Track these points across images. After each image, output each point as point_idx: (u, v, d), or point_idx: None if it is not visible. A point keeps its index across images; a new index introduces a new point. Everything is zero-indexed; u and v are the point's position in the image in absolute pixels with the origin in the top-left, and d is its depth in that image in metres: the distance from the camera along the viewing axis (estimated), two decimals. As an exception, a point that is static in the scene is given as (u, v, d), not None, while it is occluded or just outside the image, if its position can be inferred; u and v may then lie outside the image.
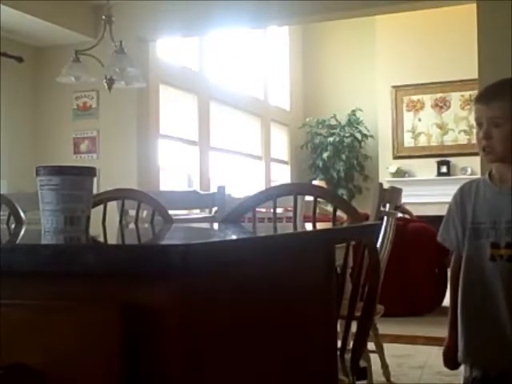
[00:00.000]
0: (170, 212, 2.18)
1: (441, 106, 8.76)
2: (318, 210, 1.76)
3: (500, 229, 1.71)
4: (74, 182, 1.10)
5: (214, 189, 3.20)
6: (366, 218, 2.31)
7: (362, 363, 1.73)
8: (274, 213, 1.82)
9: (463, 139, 8.61)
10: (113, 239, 1.26)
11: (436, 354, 2.98)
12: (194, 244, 0.75)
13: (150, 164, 6.31)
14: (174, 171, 7.16)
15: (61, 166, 1.12)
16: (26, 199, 3.46)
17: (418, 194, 8.29)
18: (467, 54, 6.36)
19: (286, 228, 1.66)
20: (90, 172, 1.14)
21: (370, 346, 2.60)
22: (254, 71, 8.81)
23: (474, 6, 4.92)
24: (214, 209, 3.41)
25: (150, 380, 0.69)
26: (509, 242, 1.70)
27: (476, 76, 4.85)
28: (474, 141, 1.81)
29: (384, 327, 3.13)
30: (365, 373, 2.14)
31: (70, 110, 6.45)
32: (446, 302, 4.10)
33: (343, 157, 9.08)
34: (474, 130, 1.75)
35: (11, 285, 0.73)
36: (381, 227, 2.37)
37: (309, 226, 1.51)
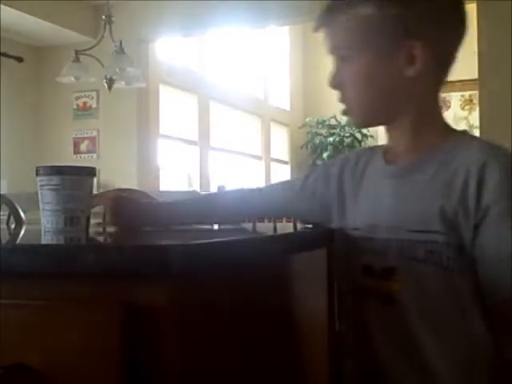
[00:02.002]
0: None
1: (440, 106, 8.75)
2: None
3: (377, 240, 1.06)
4: (75, 181, 1.10)
5: (214, 189, 3.20)
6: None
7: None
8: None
9: (463, 139, 8.61)
10: (113, 239, 1.26)
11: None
12: (194, 244, 0.75)
13: (150, 164, 6.31)
14: (174, 171, 7.16)
15: (61, 166, 1.12)
16: (26, 199, 3.45)
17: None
18: (467, 54, 6.34)
19: (286, 228, 1.66)
20: (90, 172, 1.14)
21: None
22: (254, 71, 8.80)
23: (473, 6, 4.92)
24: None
25: (149, 380, 0.69)
26: (387, 267, 1.04)
27: (476, 76, 4.85)
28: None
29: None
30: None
31: (70, 110, 6.45)
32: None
33: (343, 157, 9.07)
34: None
35: (11, 285, 0.73)
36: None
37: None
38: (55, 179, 1.09)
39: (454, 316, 1.02)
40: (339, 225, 1.15)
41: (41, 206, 1.11)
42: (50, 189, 1.09)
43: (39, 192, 1.11)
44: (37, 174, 1.11)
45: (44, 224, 1.11)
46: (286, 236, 1.04)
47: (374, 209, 1.10)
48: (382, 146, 1.18)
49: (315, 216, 1.23)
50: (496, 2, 4.62)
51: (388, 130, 1.13)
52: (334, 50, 1.09)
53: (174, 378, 0.69)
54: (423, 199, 1.03)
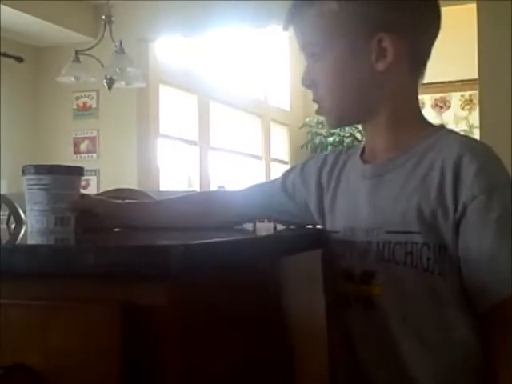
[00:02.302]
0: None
1: (441, 105, 8.75)
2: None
3: (357, 243, 1.03)
4: (66, 181, 1.09)
5: (213, 189, 3.20)
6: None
7: None
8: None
9: (463, 139, 8.61)
10: (113, 239, 1.26)
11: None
12: (194, 244, 0.75)
13: (149, 164, 6.31)
14: (174, 171, 7.16)
15: (51, 165, 1.11)
16: (26, 199, 3.46)
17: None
18: (467, 54, 6.36)
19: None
20: (80, 171, 1.13)
21: None
22: (254, 71, 8.80)
23: (473, 6, 4.92)
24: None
25: (149, 380, 0.69)
26: (366, 271, 1.01)
27: (476, 76, 4.85)
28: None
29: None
30: None
31: (70, 110, 6.45)
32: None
33: (343, 157, 9.07)
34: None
35: (11, 285, 0.73)
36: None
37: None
38: (46, 179, 1.07)
39: (435, 319, 0.98)
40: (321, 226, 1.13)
41: (28, 206, 1.09)
42: (40, 188, 1.07)
43: (27, 192, 1.08)
44: (24, 174, 1.09)
45: (32, 224, 1.09)
46: (286, 236, 1.04)
47: (352, 210, 1.06)
48: (360, 146, 1.14)
49: (296, 217, 1.21)
50: (496, 1, 4.62)
51: (365, 129, 1.10)
52: (304, 48, 1.05)
53: (173, 378, 0.69)
54: (401, 199, 0.99)
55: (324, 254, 1.11)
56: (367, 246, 1.01)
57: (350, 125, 1.13)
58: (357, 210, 1.05)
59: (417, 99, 1.08)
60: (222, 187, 3.24)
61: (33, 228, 1.09)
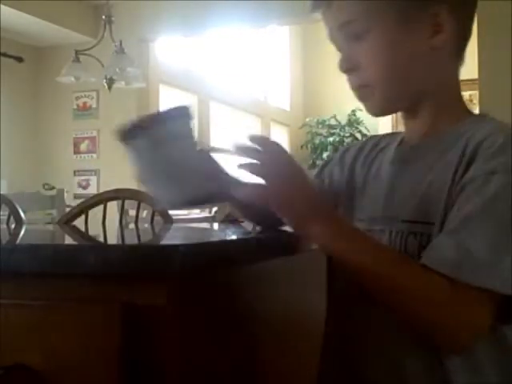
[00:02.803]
0: (170, 212, 2.18)
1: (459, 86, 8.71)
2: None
3: (373, 232, 0.96)
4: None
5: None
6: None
7: None
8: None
9: (463, 139, 8.60)
10: (113, 239, 1.26)
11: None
12: (193, 244, 0.75)
13: (150, 164, 6.29)
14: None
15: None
16: (26, 199, 3.46)
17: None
18: (467, 53, 6.34)
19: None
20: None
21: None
22: (254, 71, 8.80)
23: (473, 6, 4.92)
24: (214, 209, 3.41)
25: (149, 380, 0.69)
26: None
27: (476, 76, 4.85)
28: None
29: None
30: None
31: (70, 110, 6.45)
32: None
33: (343, 157, 9.07)
34: None
35: (11, 285, 0.73)
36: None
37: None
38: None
39: None
40: (347, 216, 1.03)
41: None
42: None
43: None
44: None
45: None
46: (286, 236, 1.04)
47: (375, 197, 0.99)
48: (400, 133, 1.06)
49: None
50: (496, 1, 4.62)
51: (405, 116, 1.00)
52: (343, 28, 0.93)
53: (173, 378, 0.69)
54: (421, 186, 0.91)
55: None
56: (380, 235, 0.95)
57: (395, 111, 1.00)
58: (379, 196, 0.98)
59: (459, 86, 0.99)
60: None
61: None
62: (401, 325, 0.91)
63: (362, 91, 0.95)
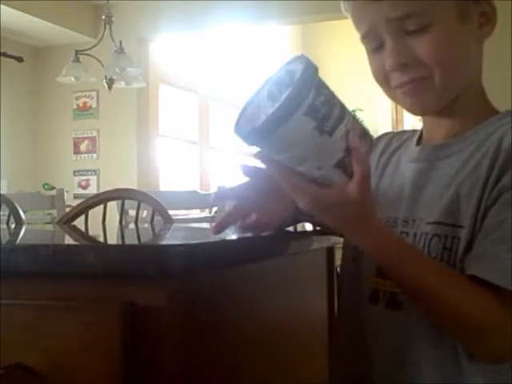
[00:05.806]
0: (170, 212, 2.18)
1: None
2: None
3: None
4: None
5: (214, 189, 3.20)
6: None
7: None
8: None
9: (463, 139, 8.59)
10: (113, 239, 1.26)
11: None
12: (193, 244, 0.75)
13: (149, 164, 6.31)
14: (174, 171, 7.16)
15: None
16: (26, 199, 3.46)
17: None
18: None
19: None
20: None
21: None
22: (254, 71, 8.80)
23: (473, 5, 4.92)
24: (214, 209, 3.41)
25: (150, 380, 0.69)
26: None
27: (476, 76, 4.85)
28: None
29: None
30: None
31: (70, 110, 6.45)
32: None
33: (343, 157, 9.05)
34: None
35: (11, 285, 0.73)
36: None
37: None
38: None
39: None
40: None
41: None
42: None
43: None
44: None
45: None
46: (287, 236, 1.04)
47: (395, 197, 0.95)
48: (418, 130, 1.03)
49: None
50: (496, 2, 4.62)
51: (436, 114, 0.95)
52: (398, 21, 0.88)
53: (173, 378, 0.69)
54: (450, 188, 0.88)
55: (332, 251, 1.08)
56: (404, 237, 0.90)
57: (445, 105, 0.91)
58: (399, 196, 0.94)
59: (481, 82, 0.96)
60: (223, 187, 3.22)
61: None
62: (414, 327, 0.88)
63: (421, 83, 0.90)
